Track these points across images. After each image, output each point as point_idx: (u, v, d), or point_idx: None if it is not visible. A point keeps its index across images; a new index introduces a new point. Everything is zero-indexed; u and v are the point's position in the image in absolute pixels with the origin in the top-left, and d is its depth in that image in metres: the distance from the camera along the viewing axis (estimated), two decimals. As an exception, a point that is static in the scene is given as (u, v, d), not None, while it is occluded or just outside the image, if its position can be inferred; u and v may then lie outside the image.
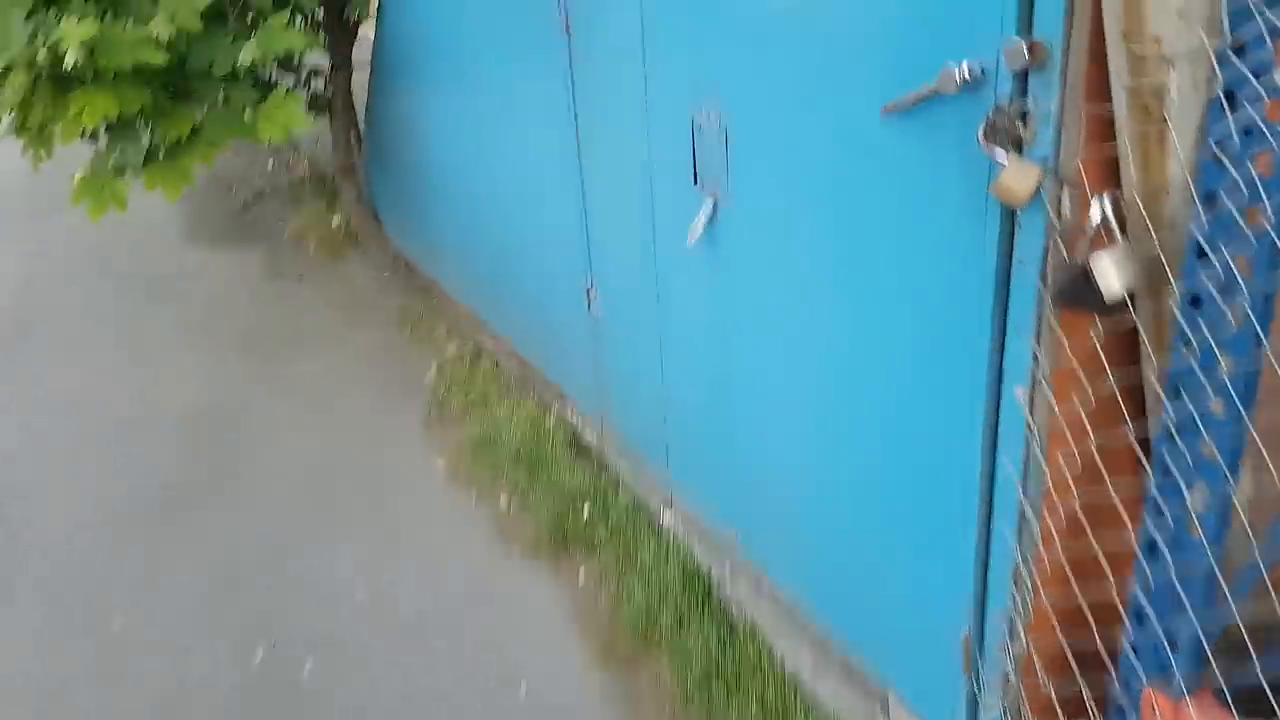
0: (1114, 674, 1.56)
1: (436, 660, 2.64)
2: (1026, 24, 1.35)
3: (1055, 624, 1.67)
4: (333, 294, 4.70)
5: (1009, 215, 1.50)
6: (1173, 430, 1.41)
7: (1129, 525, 1.51)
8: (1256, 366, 1.29)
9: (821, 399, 2.07)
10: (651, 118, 2.35)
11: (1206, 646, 1.42)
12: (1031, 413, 1.58)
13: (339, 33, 4.41)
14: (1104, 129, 1.33)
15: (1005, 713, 1.80)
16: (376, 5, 3.99)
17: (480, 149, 3.46)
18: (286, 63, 4.43)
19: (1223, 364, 1.31)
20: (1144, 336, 1.41)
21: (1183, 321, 1.33)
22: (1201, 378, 1.34)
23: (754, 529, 2.51)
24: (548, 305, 3.31)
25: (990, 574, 1.77)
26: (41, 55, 3.02)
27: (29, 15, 3.13)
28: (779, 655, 2.44)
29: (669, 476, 2.86)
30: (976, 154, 1.47)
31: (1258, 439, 1.30)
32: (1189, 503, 1.44)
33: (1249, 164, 1.19)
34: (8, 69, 3.20)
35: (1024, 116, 1.41)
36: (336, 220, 5.07)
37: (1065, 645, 1.66)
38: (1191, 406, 1.37)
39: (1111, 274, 1.32)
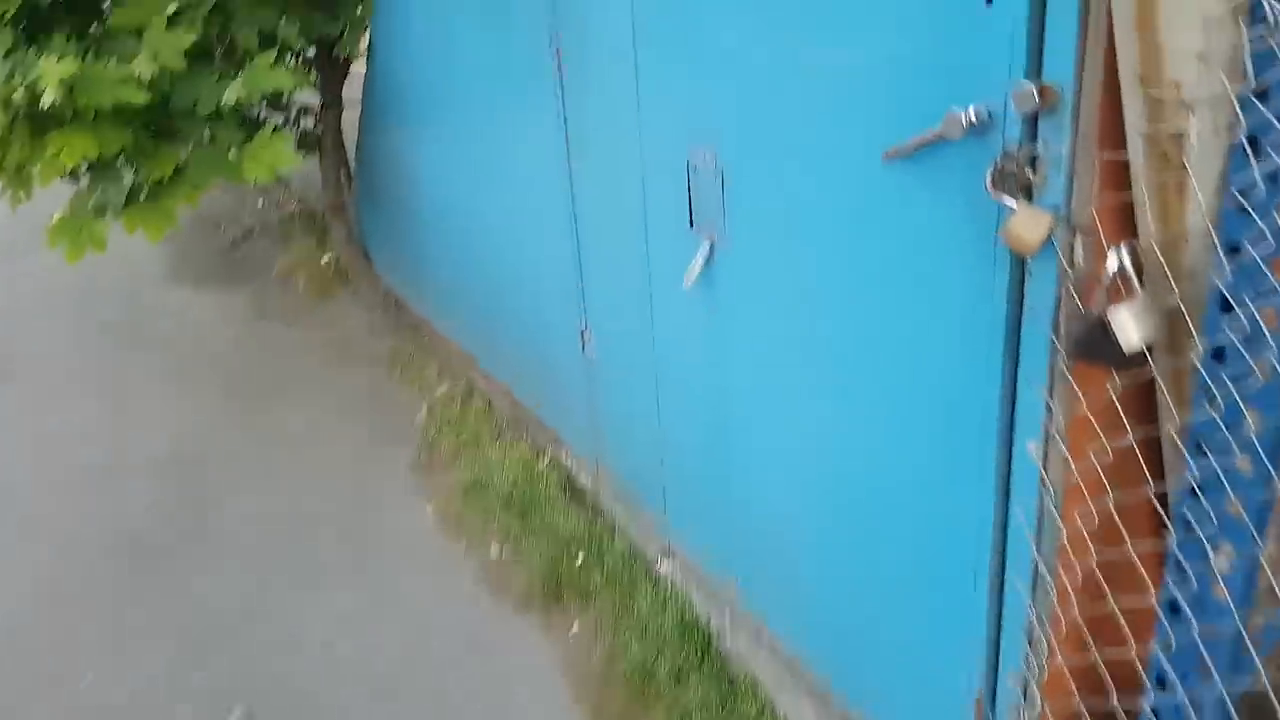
0: (1136, 741, 1.49)
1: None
2: (1036, 67, 1.30)
3: (1072, 686, 1.60)
4: (321, 334, 4.63)
5: (1019, 263, 1.44)
6: (1196, 488, 1.35)
7: (1150, 585, 1.44)
8: (1286, 422, 1.23)
9: (823, 446, 2.01)
10: (646, 158, 2.29)
11: (1232, 711, 1.36)
12: (1045, 468, 1.52)
13: (329, 70, 4.38)
14: (1118, 175, 1.28)
15: (1021, 780, 1.72)
16: (368, 43, 3.96)
17: (473, 188, 3.42)
18: (276, 101, 4.39)
19: (1249, 420, 1.25)
20: (1163, 390, 1.35)
21: (1205, 376, 1.27)
22: (1226, 434, 1.27)
23: (754, 578, 2.43)
24: (542, 346, 3.25)
25: (1003, 633, 1.70)
26: (19, 94, 2.97)
27: (7, 54, 3.08)
28: (781, 713, 2.36)
29: (666, 522, 2.78)
30: (984, 200, 1.41)
31: (1289, 499, 1.23)
32: (1214, 563, 1.37)
33: (1275, 213, 1.13)
34: (-16, 108, 3.15)
35: (1034, 162, 1.35)
36: (326, 258, 5.01)
37: (1082, 708, 1.58)
38: (1216, 464, 1.30)
39: (1130, 327, 1.26)
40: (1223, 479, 1.30)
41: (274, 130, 3.62)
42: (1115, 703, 1.50)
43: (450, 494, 3.40)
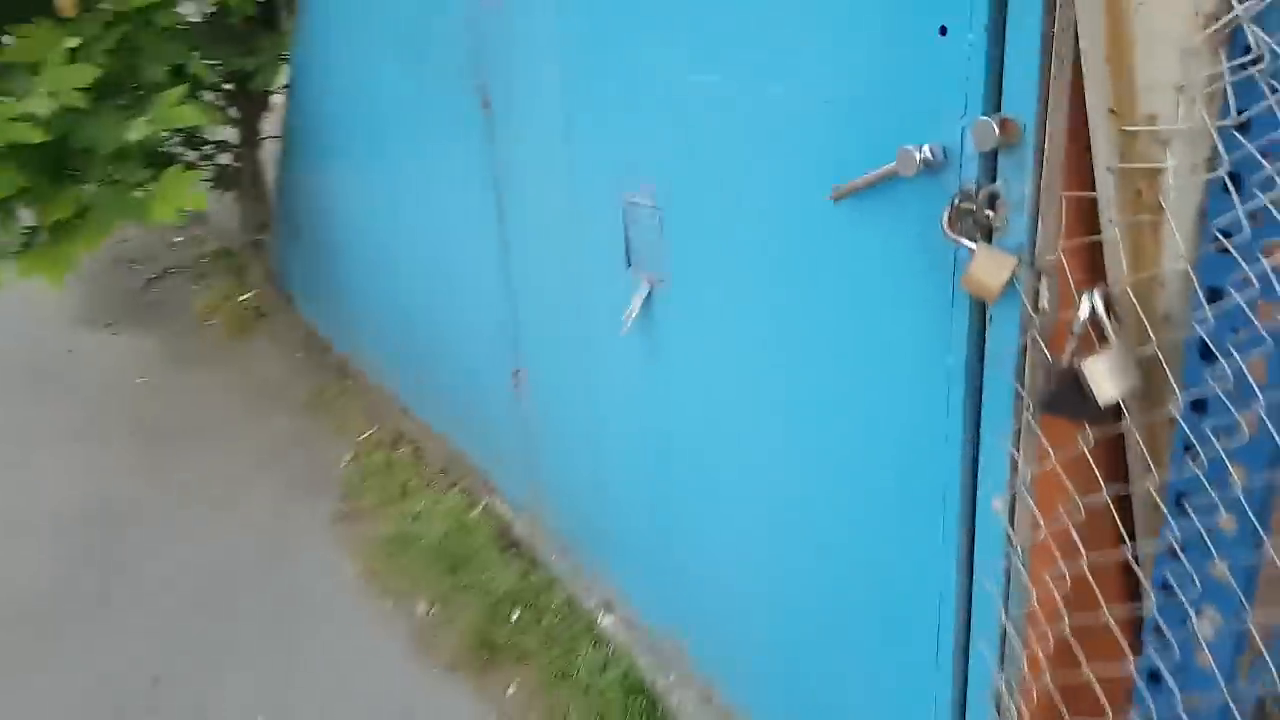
0: (1117, 821, 1.38)
1: (348, 800, 2.35)
2: (995, 99, 1.21)
3: (1044, 758, 1.49)
4: (238, 378, 4.40)
5: (979, 308, 1.35)
6: (1176, 549, 1.25)
7: (1128, 652, 1.34)
8: (1275, 479, 1.14)
9: (774, 499, 1.89)
10: (579, 195, 2.17)
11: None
12: (1012, 526, 1.41)
13: (247, 105, 4.19)
14: (1086, 215, 1.19)
15: None
16: (288, 78, 3.78)
17: (396, 226, 3.26)
18: (190, 137, 4.18)
19: (1235, 476, 1.16)
20: (1138, 444, 1.25)
21: (1186, 429, 1.18)
22: (1210, 491, 1.18)
23: (703, 635, 2.30)
24: (473, 389, 3.09)
25: (969, 702, 1.59)
26: (-96, 135, 2.74)
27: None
28: (732, 781, 2.22)
29: (609, 575, 2.63)
30: (941, 242, 1.31)
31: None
32: (1197, 628, 1.28)
33: (1259, 255, 1.05)
34: None
35: (994, 201, 1.26)
36: (245, 298, 4.78)
37: (1057, 782, 1.48)
38: (1199, 523, 1.21)
39: (1105, 380, 1.16)
40: (1206, 539, 1.20)
41: (186, 168, 3.42)
42: (1093, 778, 1.39)
43: (375, 548, 3.21)
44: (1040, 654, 1.45)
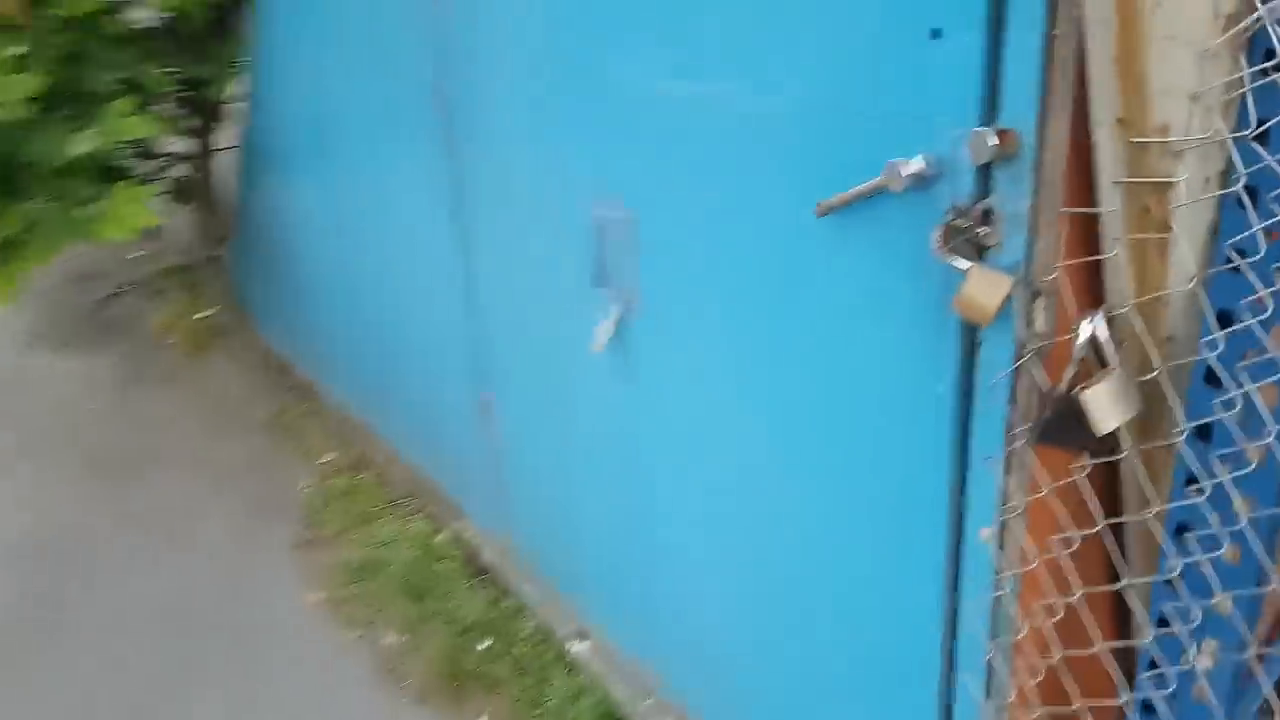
0: None
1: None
2: (990, 108, 1.14)
3: (1037, 798, 1.42)
4: (196, 399, 4.25)
5: (971, 329, 1.28)
6: (1176, 581, 1.19)
7: (1120, 685, 1.28)
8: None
9: (752, 527, 1.81)
10: (546, 211, 2.09)
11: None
12: (1000, 557, 1.35)
13: (203, 116, 4.06)
14: (1088, 233, 1.12)
15: None
16: (246, 87, 3.67)
17: (359, 241, 3.15)
18: (144, 149, 4.04)
19: (1239, 507, 1.10)
20: (1136, 474, 1.19)
21: (1190, 457, 1.12)
22: (1213, 522, 1.12)
23: (679, 664, 2.22)
24: (439, 411, 2.99)
25: (959, 739, 1.51)
26: None
27: None
28: (711, 818, 2.13)
29: (582, 603, 2.54)
30: (932, 260, 1.25)
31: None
32: (1196, 661, 1.22)
33: (1275, 274, 0.99)
34: None
35: (988, 217, 1.19)
36: (202, 316, 4.63)
37: (1051, 823, 1.41)
38: (1200, 555, 1.15)
39: (1107, 408, 1.10)
40: (1208, 572, 1.14)
41: (139, 182, 3.30)
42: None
43: (339, 576, 3.09)
44: (1028, 686, 1.38)
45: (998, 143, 1.10)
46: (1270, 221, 0.96)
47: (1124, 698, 1.27)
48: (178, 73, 3.51)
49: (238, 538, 3.36)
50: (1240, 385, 1.04)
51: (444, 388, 2.87)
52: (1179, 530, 1.17)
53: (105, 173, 3.36)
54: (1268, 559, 1.08)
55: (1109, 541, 1.22)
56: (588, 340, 2.01)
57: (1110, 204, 1.05)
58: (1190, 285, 1.03)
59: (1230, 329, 1.02)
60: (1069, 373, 1.13)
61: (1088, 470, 1.20)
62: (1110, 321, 1.12)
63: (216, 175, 4.24)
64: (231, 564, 3.22)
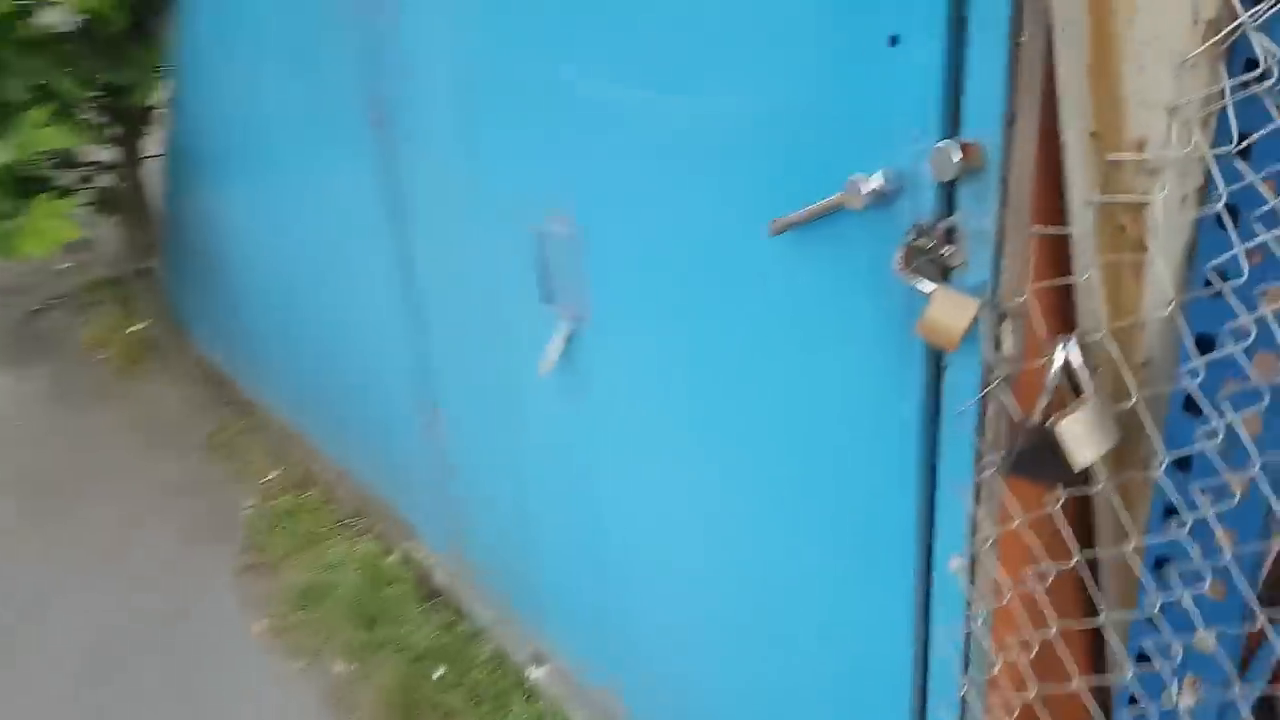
0: None
1: None
2: (952, 120, 1.07)
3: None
4: (130, 416, 4.08)
5: (937, 353, 1.21)
6: (1156, 617, 1.13)
7: (1100, 721, 1.22)
8: (1268, 545, 1.02)
9: (712, 549, 1.74)
10: (487, 222, 1.99)
11: None
12: (972, 589, 1.28)
13: (126, 122, 3.87)
14: (1058, 253, 1.05)
15: None
16: (170, 93, 3.50)
17: (296, 251, 3.02)
18: (66, 159, 3.85)
19: (1223, 540, 1.04)
20: (1112, 507, 1.13)
21: (1169, 489, 1.05)
22: (1195, 555, 1.06)
23: (640, 690, 2.14)
24: (385, 428, 2.87)
25: (932, 774, 1.45)
26: None
27: None
28: None
29: (539, 626, 2.45)
30: (893, 280, 1.17)
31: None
32: (1178, 699, 1.16)
33: (1258, 298, 0.93)
34: None
35: (951, 235, 1.12)
36: (135, 330, 4.45)
37: None
38: (1183, 589, 1.09)
39: (1082, 441, 1.03)
40: (1190, 608, 1.09)
41: (60, 194, 3.13)
42: None
43: (284, 602, 2.96)
44: (1007, 723, 1.32)
45: (962, 158, 1.03)
46: (1253, 242, 0.90)
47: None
48: (96, 79, 3.33)
49: (177, 563, 3.22)
50: (1221, 414, 0.98)
51: (388, 402, 2.76)
52: (1158, 563, 1.11)
53: (23, 185, 3.18)
54: (1252, 594, 1.03)
55: (1085, 575, 1.16)
56: (536, 356, 1.91)
57: (1082, 223, 0.98)
58: (1168, 310, 0.96)
59: (1211, 355, 0.96)
60: (1041, 402, 1.06)
61: (1062, 501, 1.13)
62: (1085, 348, 1.05)
63: (145, 184, 4.06)
64: (170, 591, 3.09)
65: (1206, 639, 1.10)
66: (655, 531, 1.87)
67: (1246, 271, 0.91)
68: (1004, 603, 1.25)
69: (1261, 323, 0.91)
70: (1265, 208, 0.88)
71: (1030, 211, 1.03)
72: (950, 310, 1.11)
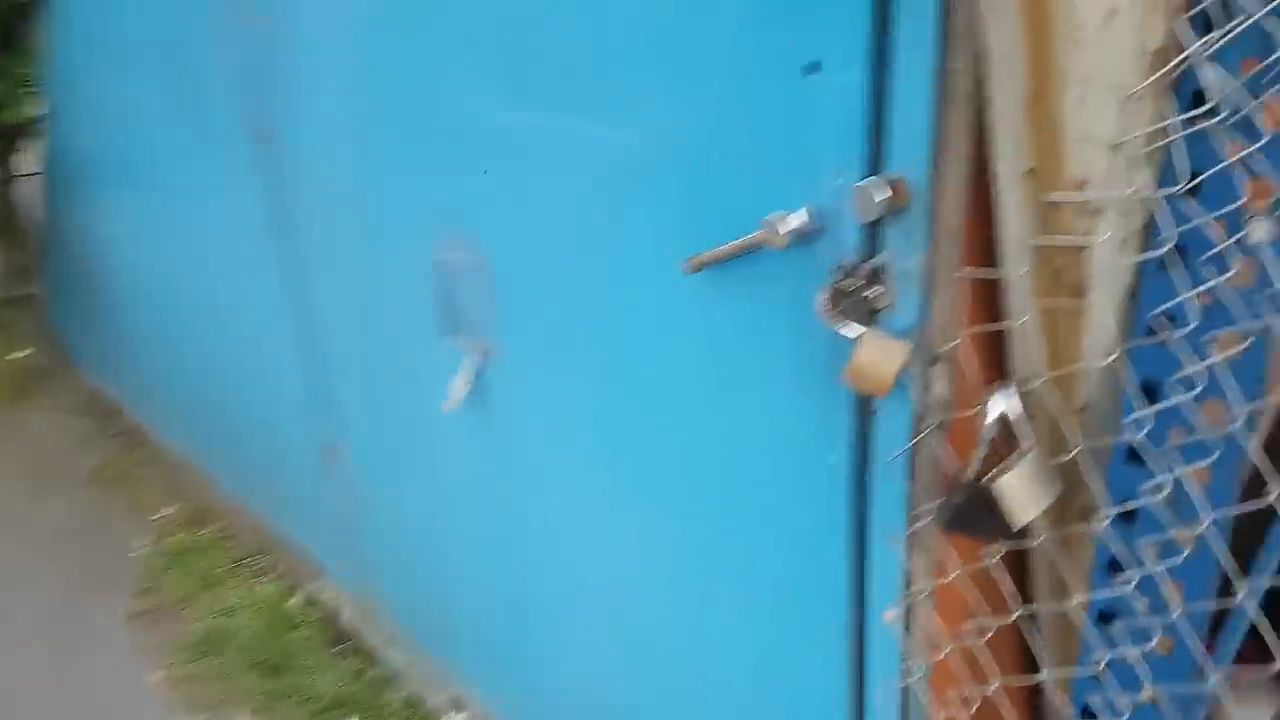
0: None
1: None
2: (876, 154, 0.98)
3: None
4: (12, 451, 3.80)
5: (864, 398, 1.13)
6: (1100, 672, 1.07)
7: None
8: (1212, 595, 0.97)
9: (634, 594, 1.64)
10: (383, 249, 1.86)
11: None
12: (908, 643, 1.20)
13: (-4, 138, 3.61)
14: (991, 295, 0.98)
15: None
16: (43, 106, 3.26)
17: (182, 274, 2.83)
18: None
19: (1171, 596, 0.98)
20: (1050, 561, 1.06)
21: (1114, 543, 0.99)
22: (1142, 610, 1.00)
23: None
24: (284, 462, 2.70)
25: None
26: None
27: None
28: None
29: (456, 670, 2.32)
30: (818, 321, 1.08)
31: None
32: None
33: (1207, 345, 0.86)
34: None
35: (878, 275, 1.04)
36: (16, 358, 4.16)
37: None
38: (1130, 644, 1.03)
39: (1022, 498, 0.96)
40: (1137, 663, 1.02)
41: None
42: None
43: (182, 651, 2.77)
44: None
45: (888, 196, 0.94)
46: (1203, 287, 0.83)
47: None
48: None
49: (65, 610, 2.99)
50: (1169, 466, 0.91)
51: (285, 435, 2.59)
52: (1102, 617, 1.05)
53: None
54: (1201, 649, 0.97)
55: (1027, 629, 1.09)
56: (442, 388, 1.79)
57: (1017, 265, 0.91)
58: (1111, 360, 0.89)
59: (1156, 406, 0.90)
60: (977, 454, 0.99)
61: (1001, 554, 1.06)
62: (1021, 395, 0.98)
63: (19, 204, 3.79)
64: (59, 640, 2.86)
65: (1155, 693, 1.04)
66: (576, 574, 1.77)
67: (1194, 317, 0.84)
68: (942, 657, 1.18)
69: (1211, 372, 0.85)
70: (1214, 250, 0.82)
71: (961, 252, 0.96)
72: (879, 356, 1.03)
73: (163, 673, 2.72)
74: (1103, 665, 1.06)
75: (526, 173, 1.46)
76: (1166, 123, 0.79)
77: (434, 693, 2.41)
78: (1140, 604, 1.00)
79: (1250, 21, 0.74)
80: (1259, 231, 0.80)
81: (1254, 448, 0.85)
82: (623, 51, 1.20)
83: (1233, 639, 1.03)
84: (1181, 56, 0.76)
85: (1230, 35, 0.75)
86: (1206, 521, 0.91)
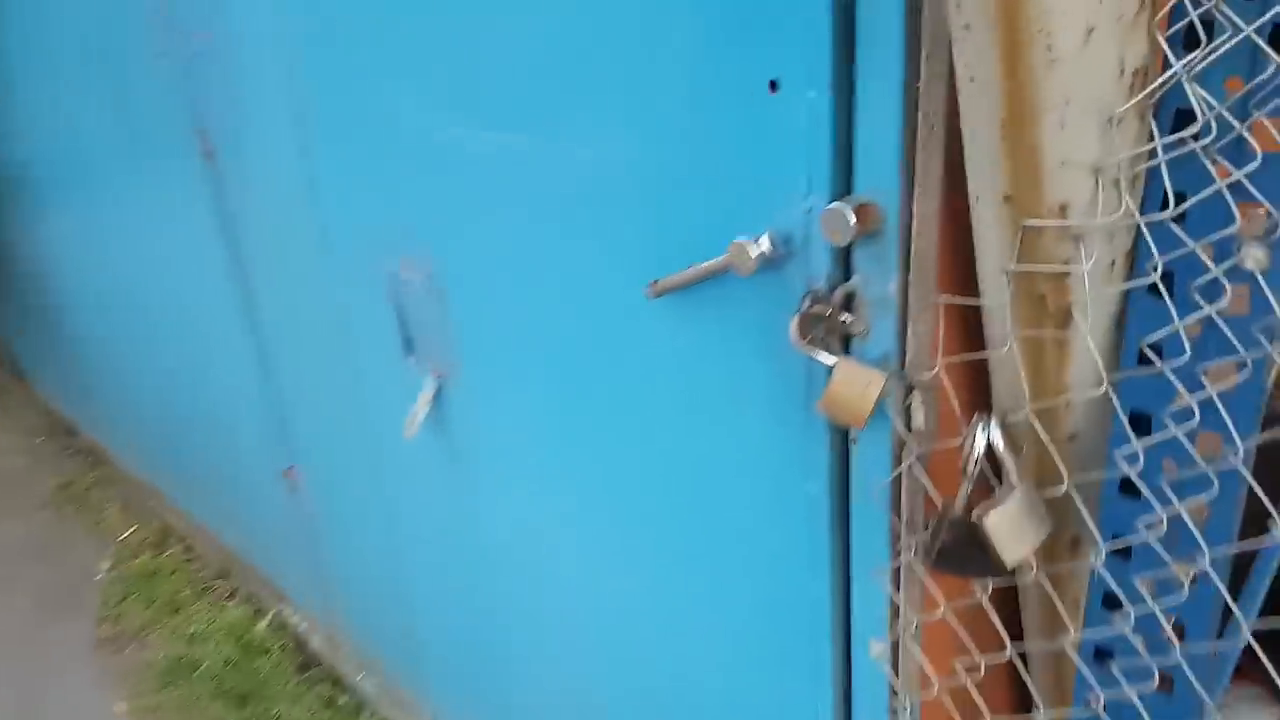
0: None
1: None
2: (845, 173, 0.92)
3: None
4: (-35, 475, 3.69)
5: (841, 429, 1.07)
6: (1096, 711, 1.02)
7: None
8: (1216, 636, 0.92)
9: (605, 621, 1.58)
10: (338, 267, 1.78)
11: None
12: (897, 677, 1.15)
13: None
14: (972, 320, 0.92)
15: None
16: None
17: (134, 291, 2.73)
18: None
19: (1170, 635, 0.93)
20: (1038, 598, 1.01)
21: (1109, 579, 0.94)
22: (1140, 650, 0.95)
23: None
24: (242, 484, 2.61)
25: None
26: None
27: None
28: None
29: (426, 697, 2.26)
30: (790, 351, 1.02)
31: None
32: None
33: (1200, 376, 0.81)
34: None
35: (850, 301, 0.98)
36: (-33, 376, 4.04)
37: None
38: (1126, 685, 0.98)
39: (1012, 536, 0.90)
40: (1135, 703, 0.97)
41: None
42: None
43: (147, 679, 2.69)
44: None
45: (856, 221, 0.88)
46: (1195, 316, 0.77)
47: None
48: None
49: (25, 638, 2.91)
50: (1164, 500, 0.86)
51: (242, 457, 2.51)
52: (1098, 654, 1.00)
53: None
54: (1204, 693, 0.92)
55: (1020, 667, 1.04)
56: (400, 410, 1.71)
57: (997, 293, 0.85)
58: (1101, 390, 0.84)
59: (1148, 440, 0.84)
60: (963, 489, 0.93)
61: (990, 590, 1.01)
62: (1004, 426, 0.92)
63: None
64: (19, 671, 2.78)
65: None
66: (543, 601, 1.70)
67: (1188, 346, 0.79)
68: (932, 696, 1.13)
69: (1209, 404, 0.80)
70: (1206, 277, 0.76)
71: (937, 278, 0.90)
72: (854, 385, 0.97)
73: (126, 703, 2.65)
74: (1100, 705, 1.01)
75: (481, 192, 1.38)
76: (1151, 145, 0.73)
77: (405, 719, 2.35)
78: (1138, 641, 0.95)
79: (1238, 39, 0.69)
80: (1252, 258, 0.75)
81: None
82: (577, 68, 1.13)
83: (1228, 664, 0.99)
84: (1167, 76, 0.71)
85: (1215, 53, 0.70)
86: (1206, 561, 0.86)
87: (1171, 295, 0.79)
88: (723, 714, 1.41)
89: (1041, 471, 0.93)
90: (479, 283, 1.49)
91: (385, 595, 2.20)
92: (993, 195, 0.80)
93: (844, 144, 0.90)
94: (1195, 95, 0.70)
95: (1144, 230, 0.77)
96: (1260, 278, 0.76)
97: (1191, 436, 0.83)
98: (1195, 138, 0.72)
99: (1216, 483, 0.83)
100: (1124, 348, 0.86)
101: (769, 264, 0.98)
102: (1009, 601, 1.08)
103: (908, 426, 0.99)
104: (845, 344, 1.00)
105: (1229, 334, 0.78)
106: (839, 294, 0.97)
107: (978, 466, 0.92)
